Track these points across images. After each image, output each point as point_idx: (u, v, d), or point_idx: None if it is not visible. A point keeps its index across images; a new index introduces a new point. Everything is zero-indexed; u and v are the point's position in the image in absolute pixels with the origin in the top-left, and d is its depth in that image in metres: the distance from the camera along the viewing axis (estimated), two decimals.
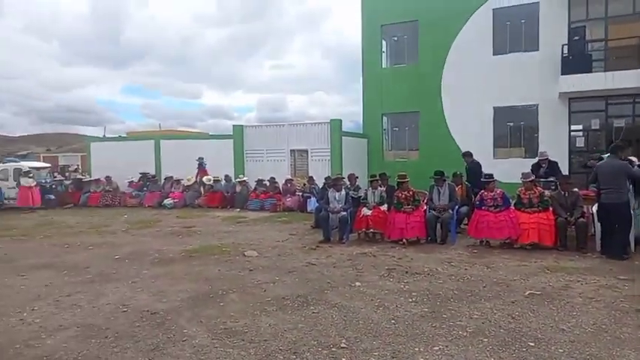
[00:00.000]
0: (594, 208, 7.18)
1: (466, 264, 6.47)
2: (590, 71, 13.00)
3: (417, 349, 3.63)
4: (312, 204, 12.14)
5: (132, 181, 16.72)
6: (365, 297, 5.01)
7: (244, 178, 14.99)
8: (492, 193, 7.82)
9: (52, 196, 16.04)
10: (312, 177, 13.89)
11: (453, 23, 15.54)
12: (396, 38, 17.47)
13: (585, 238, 7.17)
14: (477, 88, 15.13)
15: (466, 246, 7.71)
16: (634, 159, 7.29)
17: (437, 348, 3.63)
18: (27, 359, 3.63)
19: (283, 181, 14.20)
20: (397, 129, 17.76)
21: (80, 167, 26.22)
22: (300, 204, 13.28)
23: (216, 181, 15.23)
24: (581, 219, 7.21)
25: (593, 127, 14.02)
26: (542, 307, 4.54)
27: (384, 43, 17.39)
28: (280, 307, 4.71)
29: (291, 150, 15.96)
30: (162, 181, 16.37)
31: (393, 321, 4.25)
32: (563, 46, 13.39)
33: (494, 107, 15.06)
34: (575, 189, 7.70)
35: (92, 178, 17.28)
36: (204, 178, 15.47)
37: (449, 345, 3.68)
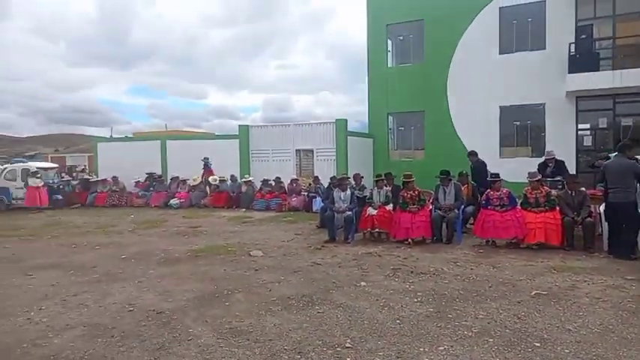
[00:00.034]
0: (602, 208, 7.14)
1: (472, 264, 6.44)
2: (598, 70, 12.88)
3: (422, 349, 3.62)
4: (318, 204, 12.14)
5: (138, 181, 16.81)
6: (370, 297, 5.00)
7: (250, 178, 15.03)
8: (498, 193, 7.78)
9: (60, 197, 16.17)
10: (317, 177, 13.91)
11: (458, 22, 15.47)
12: (401, 37, 17.41)
13: (592, 238, 7.12)
14: (483, 87, 15.05)
15: (472, 246, 7.68)
16: None
17: (442, 348, 3.62)
18: (34, 358, 3.67)
19: (289, 181, 14.22)
20: (403, 128, 17.71)
21: (87, 167, 26.37)
22: (306, 204, 13.28)
23: (222, 181, 15.27)
24: (589, 218, 7.16)
25: (600, 126, 13.91)
26: (549, 307, 4.51)
27: (389, 42, 17.33)
28: (285, 307, 4.72)
29: (296, 150, 15.96)
30: (169, 181, 16.44)
31: (398, 321, 4.25)
32: (570, 44, 13.29)
33: (500, 106, 14.97)
34: (583, 188, 7.64)
35: (99, 179, 17.39)
36: (210, 178, 15.52)
37: (454, 345, 3.67)
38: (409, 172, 8.69)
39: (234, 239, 8.82)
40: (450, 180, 8.42)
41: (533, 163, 9.98)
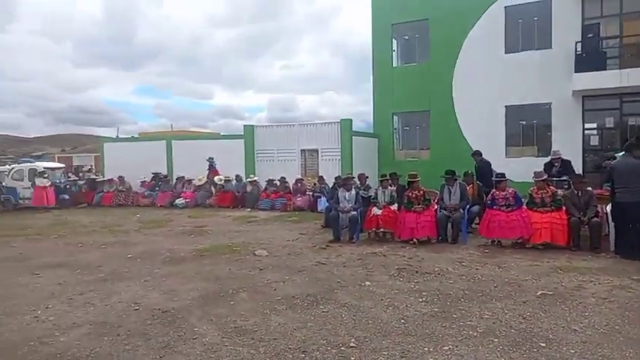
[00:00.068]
0: (608, 208, 7.08)
1: (477, 264, 6.42)
2: (605, 69, 12.81)
3: (426, 348, 3.62)
4: (323, 203, 12.15)
5: (144, 181, 16.90)
6: (375, 296, 5.00)
7: (255, 178, 15.07)
8: (504, 193, 7.75)
9: (66, 196, 16.29)
10: (322, 177, 13.91)
11: (464, 21, 15.43)
12: (406, 37, 17.39)
13: (599, 238, 7.06)
14: (489, 87, 15.00)
15: (477, 246, 7.65)
16: None
17: (446, 348, 3.61)
18: (41, 356, 3.70)
19: (294, 181, 14.24)
20: (408, 128, 17.69)
21: (94, 167, 26.55)
22: (311, 204, 13.29)
23: (227, 181, 15.32)
24: (595, 218, 7.11)
25: (607, 126, 13.83)
26: (554, 308, 4.49)
27: (394, 42, 17.32)
28: (290, 306, 4.73)
29: (301, 150, 15.98)
30: (174, 181, 16.51)
31: (402, 320, 4.24)
32: (576, 43, 13.22)
33: (506, 106, 14.92)
34: (589, 188, 7.60)
35: (105, 178, 17.49)
36: (216, 178, 15.57)
37: (459, 345, 3.66)
38: (414, 172, 8.67)
39: (239, 239, 8.85)
40: (456, 180, 8.40)
41: (539, 163, 9.94)
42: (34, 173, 15.82)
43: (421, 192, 8.33)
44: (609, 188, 7.04)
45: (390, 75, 16.92)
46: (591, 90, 13.08)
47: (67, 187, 16.99)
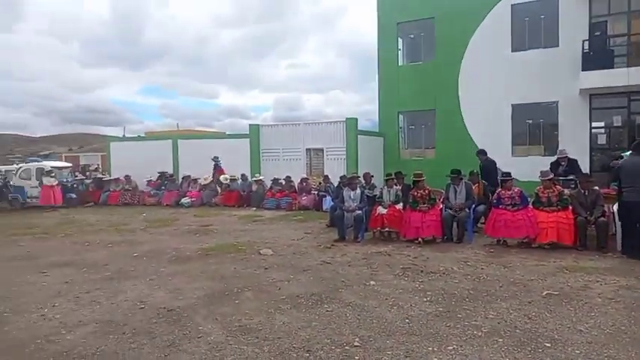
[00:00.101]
0: (615, 207, 7.03)
1: (482, 263, 6.40)
2: (612, 67, 12.70)
3: (430, 348, 3.61)
4: (328, 203, 12.15)
5: (150, 180, 17.00)
6: (379, 296, 5.00)
7: (260, 177, 15.10)
8: (510, 192, 7.71)
9: (74, 195, 16.41)
10: (327, 176, 13.91)
11: (470, 20, 15.36)
12: (412, 36, 17.35)
13: (606, 238, 7.01)
14: (495, 86, 14.92)
15: (483, 245, 7.62)
16: None
17: (451, 348, 3.61)
18: (47, 354, 3.73)
19: (299, 180, 14.25)
20: (413, 127, 17.65)
21: (100, 167, 26.72)
22: (316, 203, 13.30)
23: (233, 180, 15.36)
24: (602, 218, 7.06)
25: (615, 124, 13.72)
26: (560, 308, 4.46)
27: (400, 40, 17.28)
28: (294, 306, 4.74)
29: (306, 149, 15.99)
30: (180, 180, 16.59)
31: (407, 320, 4.24)
32: (583, 41, 13.12)
33: (512, 104, 14.84)
34: (596, 187, 7.54)
35: (112, 178, 17.63)
36: (221, 177, 15.62)
37: (463, 345, 3.66)
38: (419, 171, 8.65)
39: (244, 238, 8.87)
40: (461, 179, 8.37)
41: (545, 162, 9.89)
42: (41, 172, 15.95)
43: (426, 191, 8.32)
44: (616, 187, 6.99)
45: (396, 74, 16.89)
46: (599, 88, 12.97)
47: (74, 186, 17.12)
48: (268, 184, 14.88)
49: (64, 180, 16.66)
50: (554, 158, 9.81)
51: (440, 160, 14.83)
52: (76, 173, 19.46)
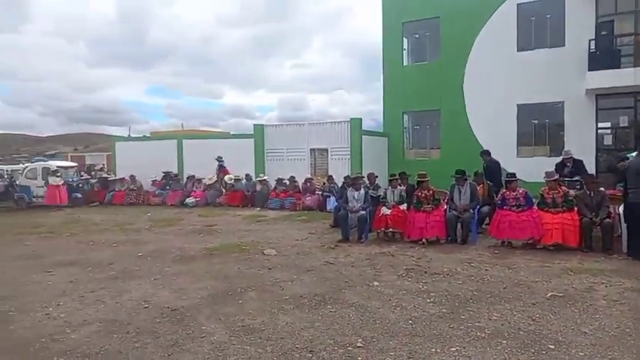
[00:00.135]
0: (621, 209, 6.98)
1: (487, 265, 6.37)
2: (619, 67, 12.61)
3: (433, 349, 3.61)
4: (332, 203, 12.15)
5: (155, 180, 17.03)
6: (382, 297, 4.99)
7: (265, 177, 15.12)
8: (515, 193, 7.68)
9: (79, 195, 16.49)
10: (331, 176, 13.91)
11: (475, 19, 15.30)
12: (417, 35, 17.29)
13: (611, 239, 6.97)
14: (501, 85, 14.86)
15: (487, 246, 7.59)
16: None
17: (454, 349, 3.60)
18: (52, 353, 3.75)
19: (303, 180, 14.25)
20: (418, 127, 17.60)
21: (106, 166, 26.86)
22: (320, 203, 13.30)
23: (237, 180, 15.39)
24: (607, 219, 7.01)
25: (621, 125, 13.62)
26: (564, 310, 4.44)
27: (405, 40, 17.23)
28: (298, 306, 4.74)
29: (311, 149, 15.98)
30: (185, 180, 16.63)
31: (410, 321, 4.23)
32: (590, 41, 13.03)
33: (517, 104, 14.76)
34: (602, 188, 7.49)
35: (117, 177, 17.69)
36: (226, 177, 15.66)
37: (466, 346, 3.64)
38: (423, 172, 8.63)
39: (248, 238, 8.89)
40: (466, 180, 8.34)
41: (551, 163, 9.84)
42: (47, 172, 16.04)
43: (430, 192, 8.29)
44: (622, 189, 6.94)
45: (401, 74, 16.85)
46: (605, 88, 12.88)
47: (80, 185, 17.20)
48: (272, 184, 14.89)
49: (70, 180, 16.74)
50: (559, 159, 9.75)
51: (445, 160, 14.78)
52: (82, 173, 19.55)
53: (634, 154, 7.23)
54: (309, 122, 16.48)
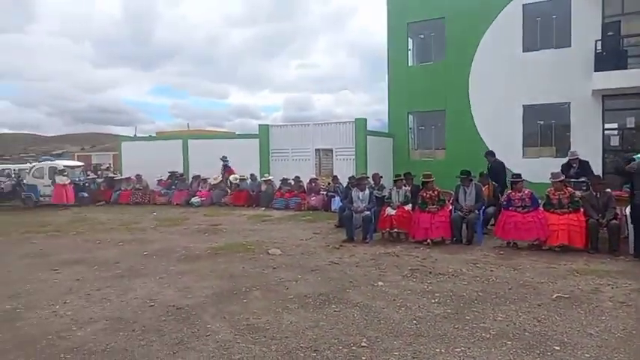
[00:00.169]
0: (627, 210, 6.94)
1: (492, 265, 6.35)
2: (626, 67, 12.50)
3: (438, 350, 3.60)
4: (336, 203, 12.15)
5: (161, 179, 17.11)
6: (387, 297, 4.99)
7: (270, 177, 15.15)
8: (520, 194, 7.66)
9: (85, 194, 16.60)
10: (336, 176, 13.91)
11: (481, 19, 15.25)
12: (422, 36, 17.26)
13: (618, 241, 6.93)
14: (506, 86, 14.80)
15: (492, 247, 7.57)
16: None
17: (458, 349, 3.59)
18: (58, 350, 3.78)
19: (308, 181, 14.26)
20: (423, 128, 17.56)
21: (112, 166, 27.00)
22: (325, 203, 13.31)
23: (242, 180, 15.43)
24: (614, 221, 6.97)
25: (628, 126, 13.52)
26: (570, 311, 4.42)
27: (410, 40, 17.21)
28: (302, 305, 4.75)
29: (316, 149, 15.99)
30: (190, 179, 16.69)
31: (414, 321, 4.23)
32: (596, 41, 12.94)
33: (523, 105, 14.69)
34: (608, 189, 7.45)
35: (123, 177, 17.78)
36: (231, 177, 15.71)
37: (471, 347, 3.64)
38: (428, 172, 8.62)
39: (253, 237, 8.91)
40: (471, 180, 8.32)
41: (557, 164, 9.76)
42: (54, 171, 16.16)
43: (435, 192, 8.28)
44: (629, 190, 6.90)
45: (406, 74, 16.82)
46: (611, 89, 12.79)
47: (86, 185, 17.31)
48: (277, 184, 14.92)
49: (77, 179, 16.85)
50: (565, 160, 9.70)
51: (450, 161, 14.75)
52: (88, 172, 19.66)
53: None
54: (314, 122, 16.50)
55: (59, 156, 32.15)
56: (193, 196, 15.46)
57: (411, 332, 3.98)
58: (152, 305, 4.86)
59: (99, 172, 21.23)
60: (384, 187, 10.01)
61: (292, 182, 14.47)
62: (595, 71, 12.76)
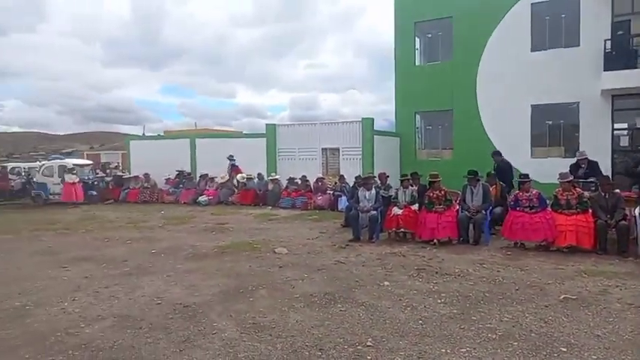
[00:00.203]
0: (637, 211, 6.88)
1: (499, 266, 6.33)
2: (635, 67, 12.37)
3: (443, 350, 3.60)
4: (343, 203, 12.16)
5: (169, 178, 17.21)
6: (393, 296, 4.99)
7: (276, 177, 15.18)
8: (528, 194, 7.61)
9: (94, 192, 16.76)
10: (342, 175, 13.92)
11: (489, 19, 15.16)
12: (429, 35, 17.21)
13: (627, 242, 6.87)
14: (514, 86, 14.71)
15: (500, 248, 7.53)
16: None
17: (464, 350, 3.59)
18: (67, 347, 3.83)
19: (314, 180, 14.28)
20: (430, 127, 17.51)
21: (120, 164, 27.19)
22: (331, 202, 13.32)
23: (249, 179, 15.48)
24: (623, 222, 6.90)
25: (638, 126, 13.40)
26: (577, 312, 4.39)
27: (417, 40, 17.16)
28: (308, 304, 4.77)
29: (322, 149, 16.00)
30: (198, 178, 16.78)
31: (420, 321, 4.23)
32: (605, 41, 12.81)
33: (531, 105, 14.59)
34: (617, 190, 7.39)
35: (131, 175, 17.91)
36: (238, 176, 15.76)
37: (477, 347, 3.63)
38: (435, 172, 8.60)
39: (259, 236, 8.94)
40: (478, 180, 8.29)
41: (566, 164, 9.69)
42: (63, 170, 16.33)
43: (442, 192, 8.25)
44: (638, 190, 6.84)
45: (413, 74, 16.77)
46: (621, 89, 12.66)
47: (95, 183, 17.47)
48: (284, 183, 14.95)
49: (86, 177, 17.02)
50: (574, 160, 9.63)
51: (457, 160, 14.68)
52: (97, 171, 19.83)
53: None
54: (320, 122, 16.51)
55: (69, 154, 32.42)
56: (201, 195, 15.54)
57: (417, 332, 3.97)
58: (159, 303, 4.90)
59: (108, 171, 21.38)
60: (391, 187, 9.99)
61: (299, 181, 14.49)
62: (604, 71, 12.65)
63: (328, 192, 13.75)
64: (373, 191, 8.75)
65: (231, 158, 16.18)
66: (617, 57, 12.42)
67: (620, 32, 12.57)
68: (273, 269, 6.30)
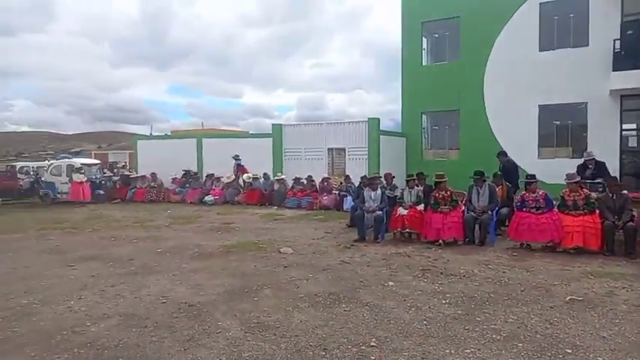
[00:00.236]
0: None
1: (504, 267, 6.29)
2: None
3: (448, 351, 3.59)
4: (348, 203, 12.15)
5: (175, 178, 17.30)
6: (397, 297, 4.98)
7: (282, 177, 15.21)
8: (534, 195, 7.56)
9: (102, 192, 16.88)
10: (348, 176, 13.91)
11: (496, 19, 15.08)
12: (437, 35, 17.16)
13: (634, 243, 6.80)
14: (522, 86, 14.62)
15: (506, 248, 7.49)
16: None
17: (468, 351, 3.58)
18: (72, 345, 3.86)
19: (320, 180, 14.28)
20: (437, 127, 17.45)
21: (128, 164, 27.34)
22: (337, 202, 13.31)
23: (255, 178, 15.52)
24: (630, 223, 6.84)
25: None
26: (583, 314, 4.36)
27: (424, 40, 17.11)
28: (312, 304, 4.77)
29: (328, 149, 15.99)
30: (204, 178, 16.84)
31: (424, 322, 4.22)
32: (614, 40, 12.71)
33: (539, 105, 14.50)
34: (625, 191, 7.32)
35: (138, 175, 18.02)
36: (244, 176, 15.81)
37: (481, 348, 3.62)
38: (441, 172, 8.56)
39: (265, 236, 8.96)
40: (484, 181, 8.25)
41: (573, 165, 9.61)
42: (71, 169, 16.47)
43: (448, 192, 8.22)
44: None
45: (420, 73, 16.73)
46: (630, 89, 12.54)
47: (102, 182, 17.59)
48: (290, 183, 14.97)
49: (93, 177, 17.14)
50: (581, 161, 9.55)
51: (464, 161, 14.61)
52: (105, 170, 19.97)
53: None
54: (327, 122, 16.49)
55: (77, 154, 32.65)
56: (207, 195, 15.60)
57: (421, 333, 3.97)
58: (164, 302, 4.93)
59: (115, 170, 21.53)
60: (397, 187, 9.97)
61: (305, 181, 14.50)
62: (613, 71, 12.55)
63: (334, 192, 13.75)
64: (379, 191, 8.74)
65: (236, 158, 16.23)
66: (627, 57, 12.32)
67: (629, 32, 12.46)
68: (278, 269, 6.32)
